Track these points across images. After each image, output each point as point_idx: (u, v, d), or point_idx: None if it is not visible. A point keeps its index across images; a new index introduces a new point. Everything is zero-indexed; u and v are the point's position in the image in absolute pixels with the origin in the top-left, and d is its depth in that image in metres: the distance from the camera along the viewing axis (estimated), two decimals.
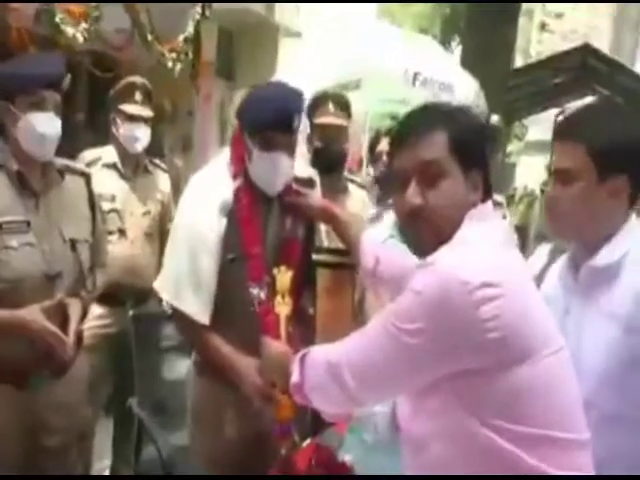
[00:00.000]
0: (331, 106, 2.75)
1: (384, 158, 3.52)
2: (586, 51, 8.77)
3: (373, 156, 3.72)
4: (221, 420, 1.94)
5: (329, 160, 2.74)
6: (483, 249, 1.18)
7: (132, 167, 3.00)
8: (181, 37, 3.77)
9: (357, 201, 2.91)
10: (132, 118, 2.92)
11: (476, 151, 1.28)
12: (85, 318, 2.12)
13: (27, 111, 1.89)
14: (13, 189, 1.92)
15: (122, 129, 2.93)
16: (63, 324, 1.91)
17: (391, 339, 1.16)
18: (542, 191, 6.91)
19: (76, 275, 2.02)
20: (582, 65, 8.97)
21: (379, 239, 1.79)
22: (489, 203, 1.29)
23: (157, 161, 3.20)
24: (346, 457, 1.78)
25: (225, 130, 4.61)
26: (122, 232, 2.91)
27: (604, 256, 1.40)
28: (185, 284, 1.85)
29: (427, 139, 1.24)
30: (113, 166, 2.95)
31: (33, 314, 1.84)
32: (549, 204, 1.49)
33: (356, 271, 1.94)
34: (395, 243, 1.76)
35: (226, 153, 1.97)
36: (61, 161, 2.07)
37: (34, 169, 1.96)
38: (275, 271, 1.87)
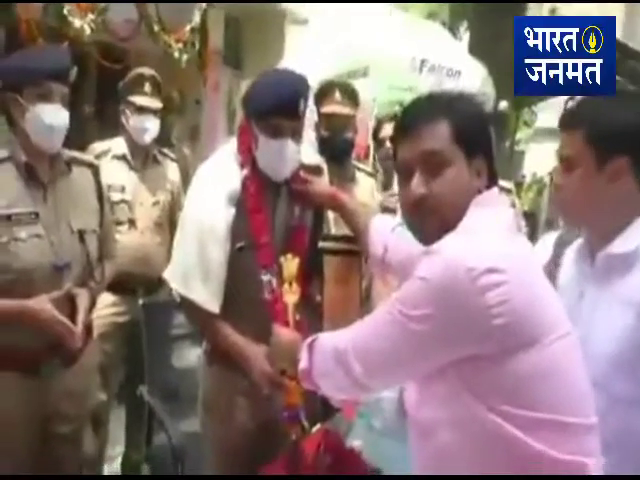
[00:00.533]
0: (338, 95, 2.74)
1: (387, 144, 3.53)
2: None
3: (377, 142, 3.73)
4: (231, 408, 1.95)
5: (336, 149, 2.74)
6: (488, 236, 1.18)
7: (141, 158, 3.01)
8: (188, 27, 3.77)
9: (365, 189, 2.91)
10: (141, 109, 2.93)
11: (479, 138, 1.28)
12: (94, 308, 2.14)
13: (34, 103, 1.90)
14: (22, 181, 1.93)
15: (131, 120, 2.94)
16: (72, 314, 1.94)
17: (397, 326, 1.17)
18: (552, 178, 6.89)
19: (84, 266, 2.04)
20: None
21: (387, 226, 1.80)
22: (494, 190, 1.29)
23: (166, 151, 3.21)
24: (355, 443, 1.79)
25: (233, 119, 4.61)
26: (132, 222, 2.93)
27: (619, 245, 1.40)
28: (194, 274, 1.86)
29: (429, 129, 1.25)
30: (122, 157, 2.97)
31: (42, 304, 1.86)
32: (554, 192, 1.51)
33: (363, 258, 1.95)
34: (403, 231, 1.77)
35: (233, 142, 1.98)
36: (69, 153, 2.08)
37: (42, 161, 1.98)
38: (282, 259, 1.88)
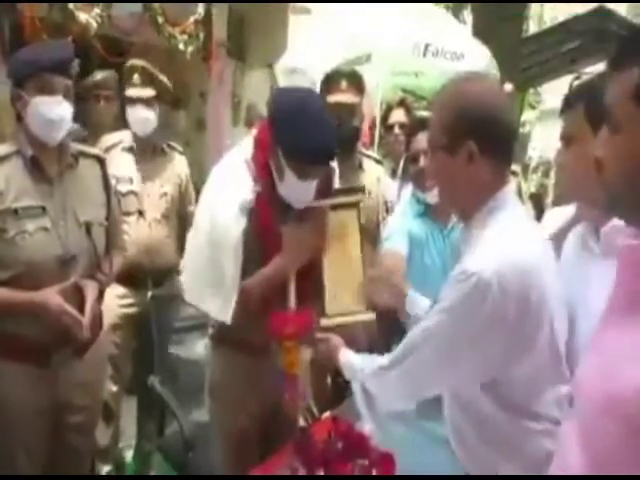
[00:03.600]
0: (344, 84, 2.74)
1: (396, 130, 3.52)
2: (601, 14, 8.58)
3: (385, 128, 3.72)
4: (238, 392, 1.98)
5: (343, 138, 2.74)
6: None
7: (148, 150, 3.04)
8: (192, 19, 3.78)
9: (372, 177, 2.93)
10: (132, 101, 2.96)
11: None
12: (102, 300, 2.17)
13: (35, 95, 1.92)
14: (28, 175, 1.96)
15: (128, 113, 2.98)
16: (80, 305, 1.96)
17: None
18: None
19: (91, 258, 2.06)
20: (597, 29, 8.78)
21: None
22: None
23: (174, 144, 3.22)
24: (366, 427, 1.82)
25: (237, 111, 4.62)
26: (140, 213, 2.96)
27: None
28: (206, 285, 1.87)
29: None
30: (131, 149, 3.00)
31: (50, 295, 1.89)
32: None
33: (361, 210, 1.93)
34: None
35: (245, 148, 1.93)
36: (75, 146, 2.10)
37: (49, 154, 2.00)
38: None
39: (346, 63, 4.18)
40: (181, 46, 3.65)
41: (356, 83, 2.79)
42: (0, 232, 1.89)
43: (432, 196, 2.20)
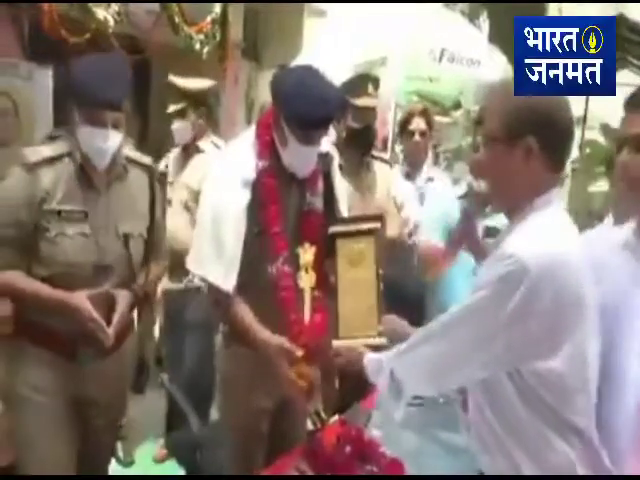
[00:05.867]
0: (371, 88, 2.77)
1: (417, 137, 3.51)
2: (619, 23, 8.51)
3: (404, 134, 3.72)
4: (249, 389, 1.97)
5: (366, 140, 2.79)
6: None
7: (181, 146, 3.19)
8: (208, 19, 3.79)
9: (380, 177, 2.94)
10: (171, 116, 3.13)
11: None
12: (137, 307, 2.16)
13: (85, 123, 1.89)
14: (77, 179, 1.93)
15: None
16: (109, 314, 1.93)
17: None
18: (573, 169, 6.78)
19: (126, 269, 2.03)
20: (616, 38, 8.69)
21: None
22: None
23: (221, 143, 3.24)
24: (375, 433, 1.81)
25: (251, 111, 4.62)
26: (169, 202, 3.06)
27: None
28: (208, 253, 1.89)
29: None
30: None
31: (80, 299, 1.87)
32: (623, 171, 1.43)
33: (377, 237, 1.94)
34: None
35: (250, 132, 1.99)
36: (127, 153, 2.07)
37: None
38: (300, 250, 1.90)
39: (361, 66, 4.18)
40: (197, 46, 3.66)
41: (378, 86, 2.84)
42: (43, 231, 1.89)
43: (478, 185, 2.22)
